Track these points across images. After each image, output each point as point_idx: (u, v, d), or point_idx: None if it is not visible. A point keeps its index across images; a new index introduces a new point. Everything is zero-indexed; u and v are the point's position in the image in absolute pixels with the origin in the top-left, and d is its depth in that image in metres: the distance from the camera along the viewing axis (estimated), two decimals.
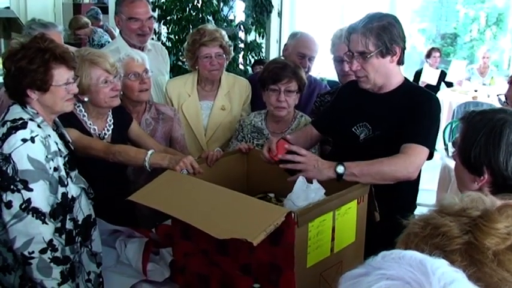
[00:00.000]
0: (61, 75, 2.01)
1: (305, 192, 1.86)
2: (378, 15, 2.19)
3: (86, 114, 2.47)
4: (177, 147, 2.86)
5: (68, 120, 2.37)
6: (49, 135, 2.00)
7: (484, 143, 1.48)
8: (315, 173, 2.01)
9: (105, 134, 2.53)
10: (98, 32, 6.83)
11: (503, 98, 2.37)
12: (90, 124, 2.48)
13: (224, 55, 3.05)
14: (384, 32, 2.14)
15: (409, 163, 2.08)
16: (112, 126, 2.56)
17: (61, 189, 2.01)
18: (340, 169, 1.99)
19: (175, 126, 2.91)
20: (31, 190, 1.90)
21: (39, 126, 1.97)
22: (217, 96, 3.13)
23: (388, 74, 2.23)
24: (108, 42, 6.03)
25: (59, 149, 2.03)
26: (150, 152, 2.23)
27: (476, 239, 0.95)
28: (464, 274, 0.82)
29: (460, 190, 1.62)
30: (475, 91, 6.95)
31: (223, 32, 3.11)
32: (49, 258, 1.91)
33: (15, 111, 1.99)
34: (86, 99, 2.41)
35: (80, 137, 2.35)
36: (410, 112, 2.17)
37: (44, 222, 1.91)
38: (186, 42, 3.16)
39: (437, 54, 7.62)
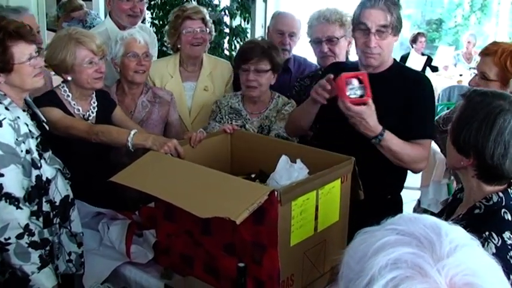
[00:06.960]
0: (21, 51, 1.96)
1: (288, 171, 1.85)
2: None
3: (70, 94, 2.46)
4: (172, 131, 2.85)
5: (51, 100, 2.38)
6: (18, 117, 1.95)
7: (476, 128, 1.47)
8: (361, 124, 2.01)
9: (89, 115, 2.50)
10: (92, 15, 6.77)
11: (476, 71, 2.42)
12: (74, 104, 2.46)
13: (207, 31, 3.03)
14: (398, 10, 2.15)
15: (424, 158, 2.18)
16: (96, 109, 2.53)
17: (35, 172, 1.97)
18: (376, 140, 2.04)
19: (171, 111, 2.89)
20: (2, 175, 1.86)
21: (6, 108, 1.92)
22: (199, 77, 3.11)
23: (390, 53, 2.24)
24: None
25: (30, 131, 1.98)
26: (133, 132, 2.21)
27: None
28: (479, 242, 0.79)
29: (447, 164, 1.64)
30: (460, 75, 6.99)
31: (205, 10, 3.10)
32: (26, 243, 1.89)
33: None
34: (69, 78, 2.42)
35: (63, 117, 2.34)
36: (408, 99, 2.17)
37: (18, 207, 1.88)
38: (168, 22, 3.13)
39: (423, 39, 7.65)
